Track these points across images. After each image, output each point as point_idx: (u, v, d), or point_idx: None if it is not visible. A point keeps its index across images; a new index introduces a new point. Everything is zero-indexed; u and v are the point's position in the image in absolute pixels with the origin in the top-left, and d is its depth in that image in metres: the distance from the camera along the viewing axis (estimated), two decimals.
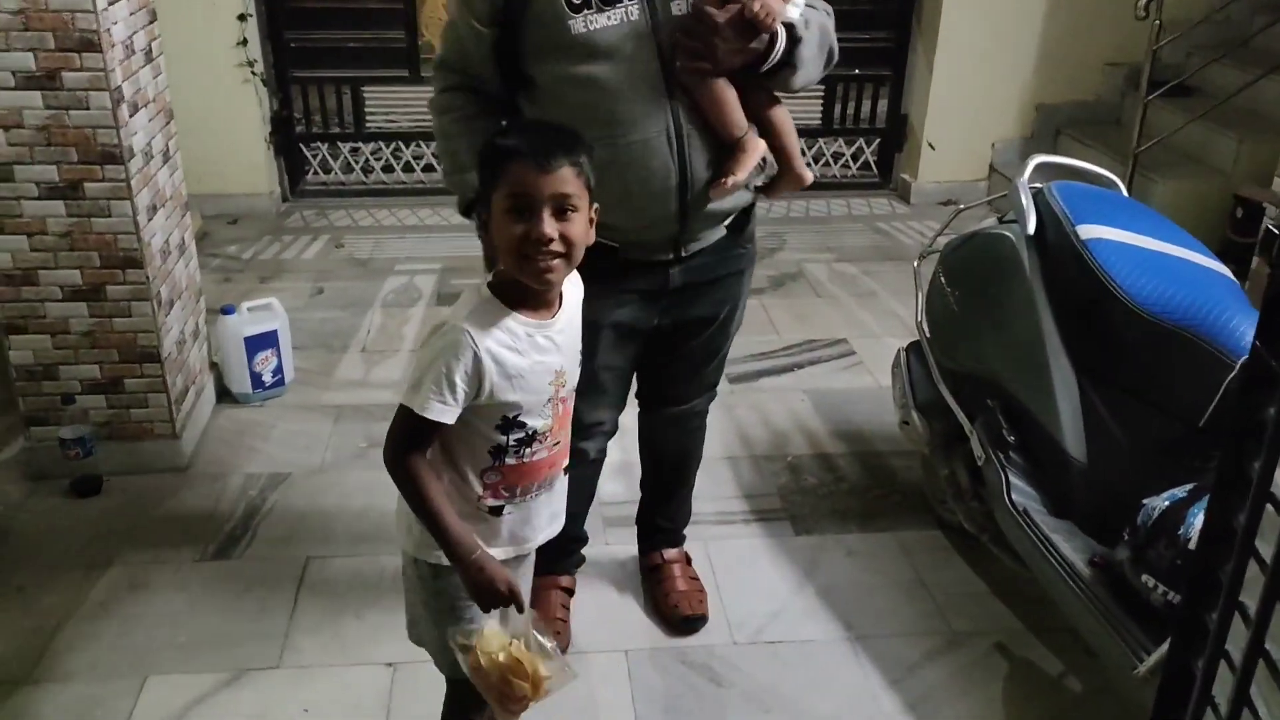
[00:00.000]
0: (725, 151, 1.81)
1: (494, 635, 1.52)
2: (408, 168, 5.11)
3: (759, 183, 1.90)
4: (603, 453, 2.23)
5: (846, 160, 5.36)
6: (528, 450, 1.54)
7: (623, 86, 1.73)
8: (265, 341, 3.23)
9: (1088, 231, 2.16)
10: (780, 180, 1.91)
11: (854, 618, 2.40)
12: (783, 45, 1.73)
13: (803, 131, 4.73)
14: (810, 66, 1.80)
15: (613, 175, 1.71)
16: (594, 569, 2.54)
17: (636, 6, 1.71)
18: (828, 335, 3.81)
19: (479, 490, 1.55)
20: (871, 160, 5.38)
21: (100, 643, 2.29)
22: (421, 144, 5.09)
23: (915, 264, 2.74)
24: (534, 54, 1.78)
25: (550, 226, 1.41)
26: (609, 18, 1.70)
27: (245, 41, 4.54)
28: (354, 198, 5.05)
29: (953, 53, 4.82)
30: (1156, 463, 1.95)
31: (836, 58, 1.88)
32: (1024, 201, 2.30)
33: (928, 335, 2.58)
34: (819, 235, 4.81)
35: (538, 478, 1.58)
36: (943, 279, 2.53)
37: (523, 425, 1.51)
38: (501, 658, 1.49)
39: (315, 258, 4.43)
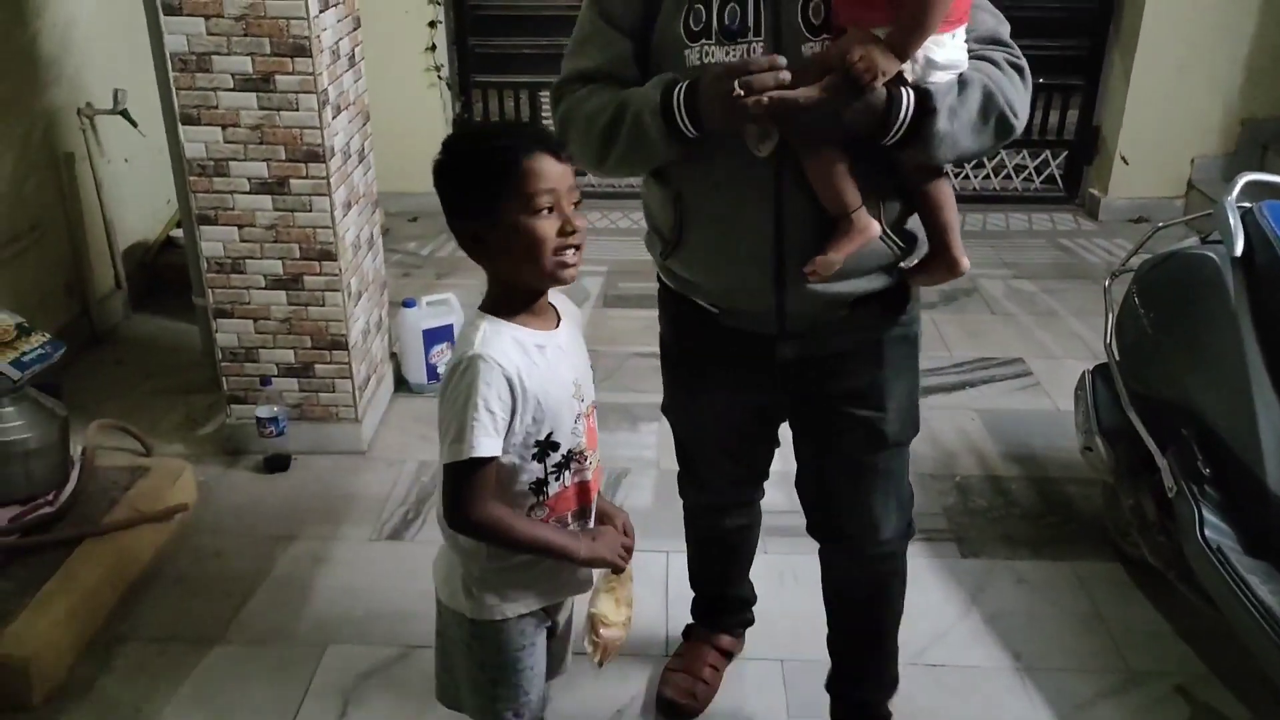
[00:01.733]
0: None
1: (609, 609, 1.64)
2: (580, 171, 5.21)
3: (908, 264, 1.63)
4: (755, 518, 2.16)
5: (1030, 173, 5.17)
6: (567, 474, 1.48)
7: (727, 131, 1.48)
8: (442, 335, 3.37)
9: None
10: (930, 265, 1.60)
11: (1022, 647, 2.31)
12: (907, 114, 1.39)
13: None
14: (961, 139, 1.44)
15: (702, 225, 1.58)
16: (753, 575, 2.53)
17: (761, 45, 1.45)
18: (1003, 354, 3.69)
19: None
20: (1057, 173, 5.17)
21: (286, 610, 2.45)
22: None
23: (1107, 283, 2.62)
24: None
25: (577, 216, 1.37)
26: (727, 53, 1.46)
27: (434, 47, 4.75)
28: None
29: (1152, 62, 4.58)
30: None
31: (1019, 124, 1.49)
32: (1232, 221, 2.17)
33: (1117, 358, 2.46)
34: (996, 250, 4.65)
35: (585, 501, 1.53)
36: (1137, 299, 2.41)
37: (557, 446, 1.44)
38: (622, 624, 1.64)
39: None
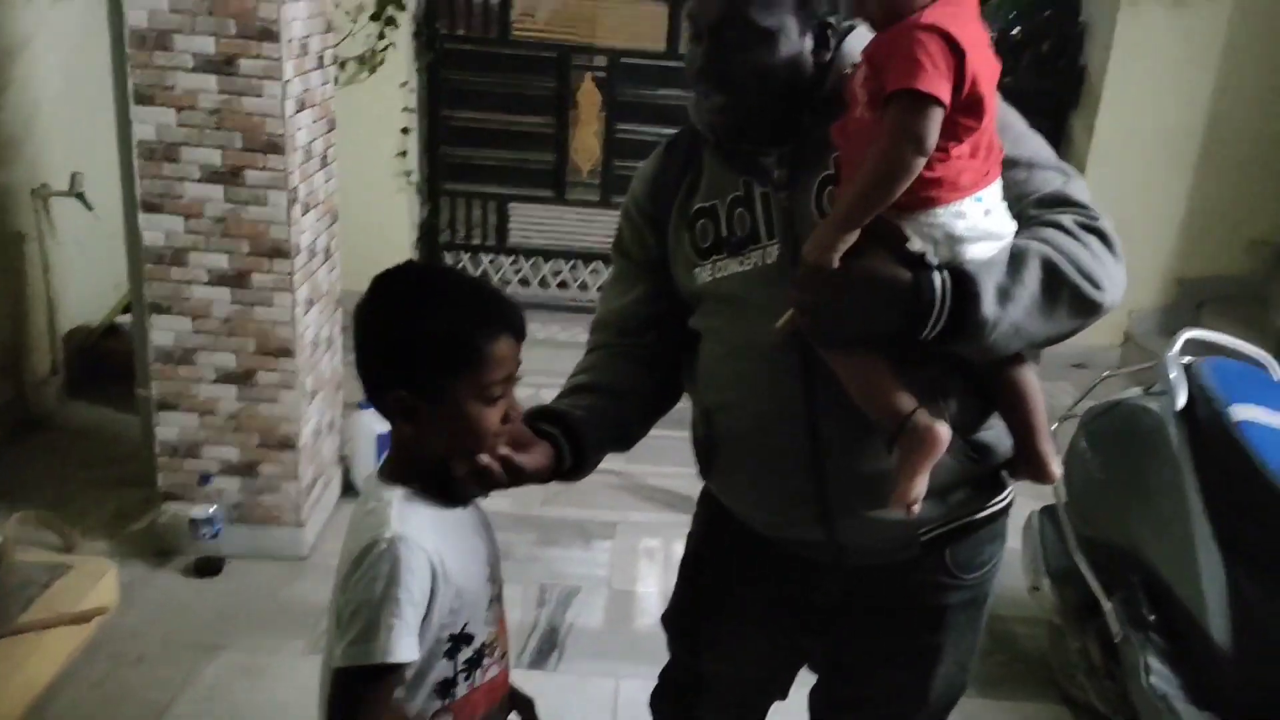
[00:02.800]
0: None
1: None
2: (544, 283, 5.27)
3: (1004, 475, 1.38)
4: None
5: None
6: (478, 672, 1.29)
7: (746, 343, 1.34)
8: None
9: (1240, 412, 2.09)
10: (1014, 469, 1.35)
11: None
12: (944, 303, 1.14)
13: None
14: (1025, 324, 1.18)
15: (734, 451, 1.40)
16: None
17: (776, 247, 1.30)
18: None
19: None
20: None
21: None
22: (559, 261, 5.26)
23: (1053, 426, 2.66)
24: (686, 306, 1.44)
25: (518, 413, 1.25)
26: (741, 263, 1.33)
27: (405, 153, 4.81)
28: None
29: None
30: None
31: (1104, 298, 1.22)
32: (1175, 375, 2.24)
33: (1065, 500, 2.50)
34: None
35: (493, 702, 1.35)
36: (1084, 444, 2.46)
37: (469, 639, 1.26)
38: None
39: None
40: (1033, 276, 1.17)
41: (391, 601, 1.14)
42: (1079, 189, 1.28)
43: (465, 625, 1.25)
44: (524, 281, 5.29)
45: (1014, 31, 4.84)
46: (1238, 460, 2.01)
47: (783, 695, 1.66)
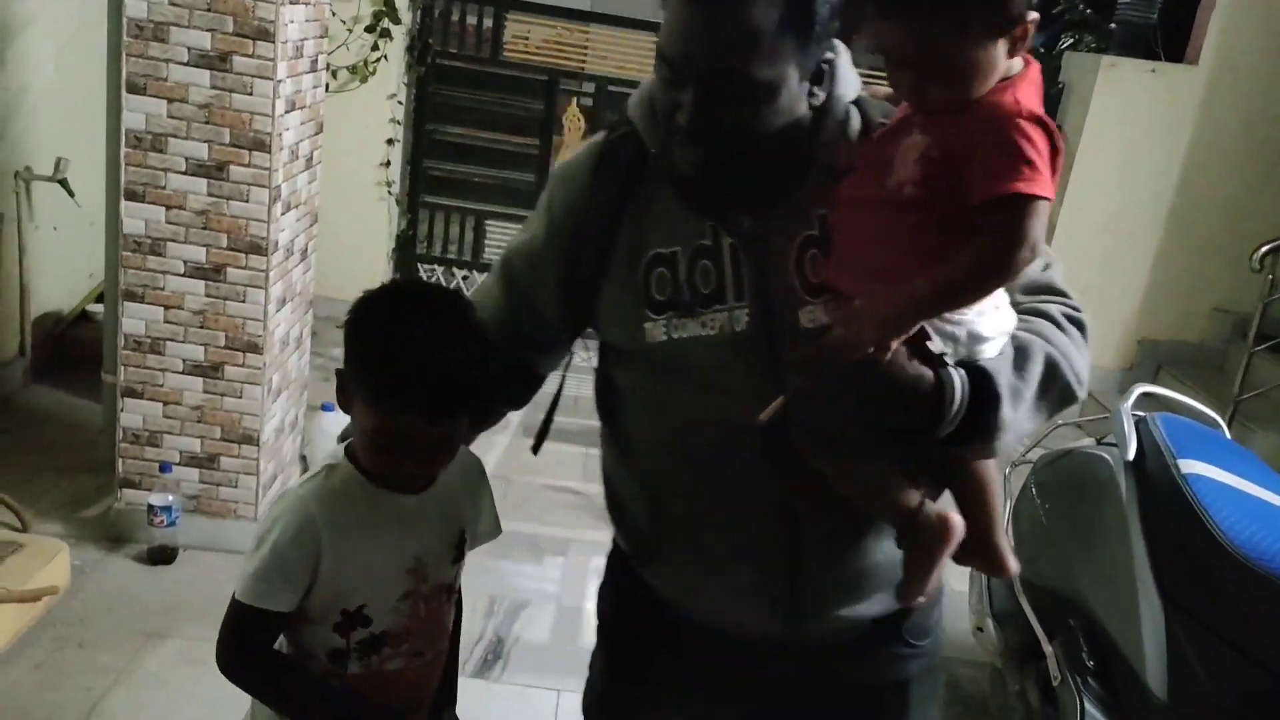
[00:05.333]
0: (870, 526, 1.19)
1: None
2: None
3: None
4: None
5: None
6: (375, 658, 1.25)
7: (708, 423, 1.15)
8: None
9: (1189, 466, 2.14)
10: (964, 558, 1.19)
11: None
12: (962, 404, 1.04)
13: None
14: (1023, 423, 1.11)
15: (691, 545, 1.23)
16: None
17: (746, 313, 1.13)
18: None
19: None
20: None
21: (146, 712, 2.31)
22: None
23: (1006, 472, 2.73)
24: (611, 351, 1.27)
25: (429, 460, 1.21)
26: (703, 325, 1.14)
27: (389, 164, 4.85)
28: None
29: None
30: (1240, 712, 1.87)
31: (1082, 394, 1.17)
32: (1126, 427, 2.29)
33: (1012, 544, 2.54)
34: None
35: (394, 695, 1.28)
36: (1033, 490, 2.51)
37: (366, 622, 1.23)
38: None
39: None
40: (1035, 375, 1.11)
41: (264, 550, 1.19)
42: (1059, 275, 1.22)
43: (362, 607, 1.23)
44: None
45: None
46: (1184, 513, 2.06)
47: None
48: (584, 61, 5.22)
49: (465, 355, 1.16)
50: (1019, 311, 1.15)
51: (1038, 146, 0.99)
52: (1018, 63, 1.06)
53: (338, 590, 1.22)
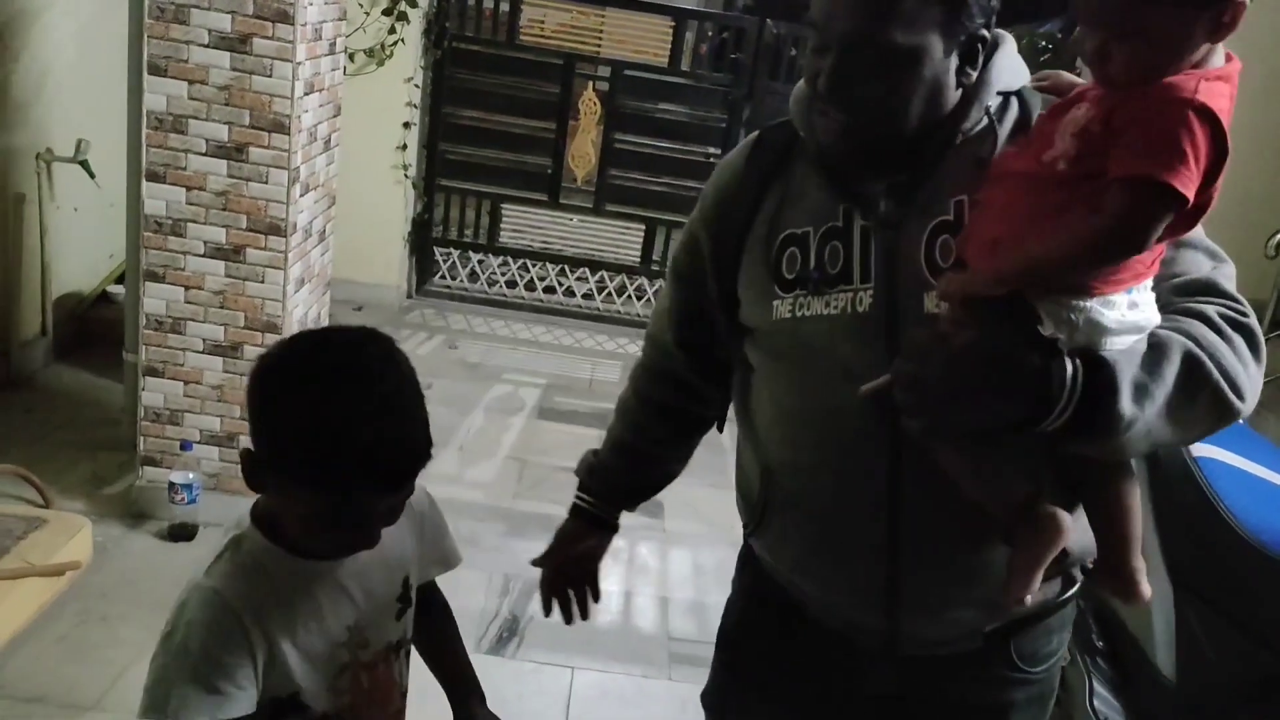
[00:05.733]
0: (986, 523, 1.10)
1: None
2: (530, 286, 5.34)
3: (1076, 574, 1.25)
4: None
5: None
6: None
7: (822, 402, 1.17)
8: None
9: (1200, 450, 2.15)
10: (1099, 578, 1.16)
11: None
12: (1074, 392, 0.99)
13: None
14: (1156, 427, 1.03)
15: (793, 520, 1.24)
16: (651, 702, 2.53)
17: (870, 293, 1.13)
18: None
19: None
20: None
21: None
22: (547, 265, 5.32)
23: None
24: (741, 335, 1.28)
25: (380, 526, 1.08)
26: (827, 304, 1.15)
27: (405, 147, 4.87)
28: (474, 305, 5.28)
29: None
30: (1248, 694, 1.89)
31: (1244, 407, 1.07)
32: None
33: None
34: None
35: None
36: None
37: (301, 709, 1.11)
38: None
39: (429, 355, 4.61)
40: (1172, 373, 1.02)
41: (179, 656, 1.04)
42: (1228, 276, 1.12)
43: (295, 694, 1.10)
44: (511, 283, 5.35)
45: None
46: (1194, 496, 2.07)
47: None
48: (599, 45, 5.23)
49: (416, 406, 1.05)
50: (1169, 312, 1.06)
51: (1197, 142, 0.91)
52: (1219, 55, 0.98)
53: (264, 681, 1.08)
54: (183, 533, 2.90)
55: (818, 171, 1.18)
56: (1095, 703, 2.04)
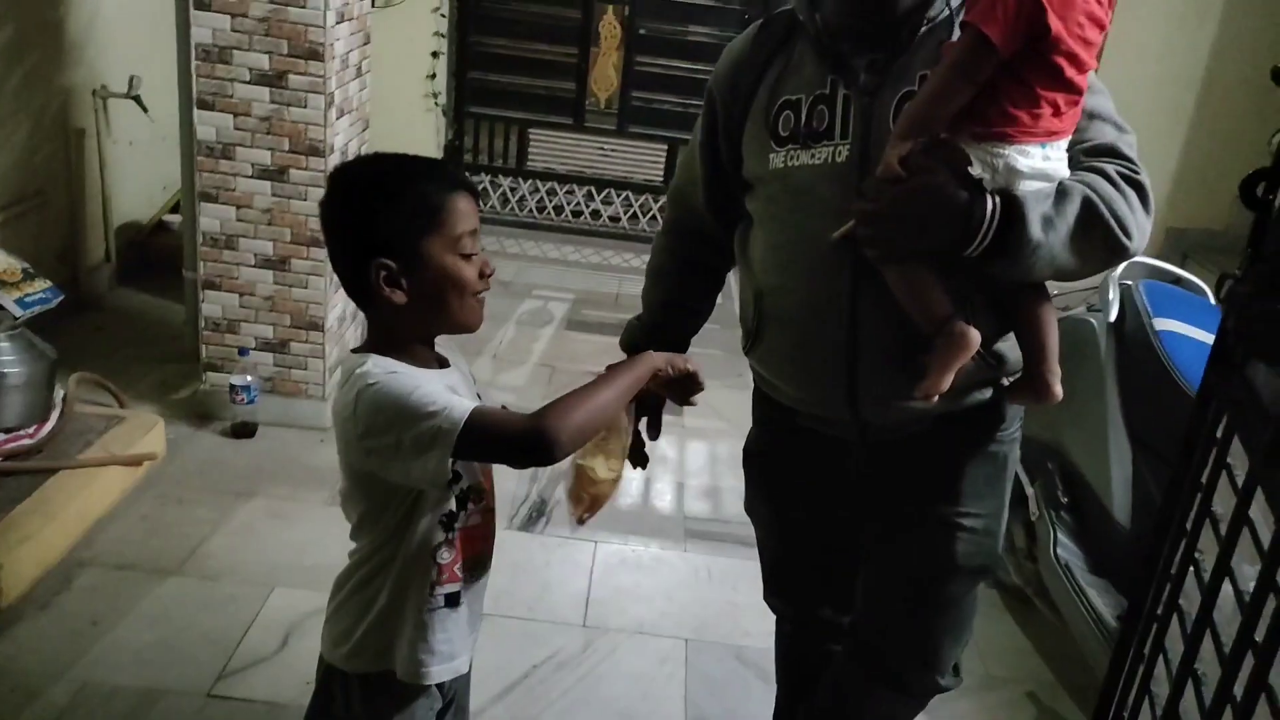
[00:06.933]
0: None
1: (598, 463, 1.52)
2: (559, 209, 5.55)
3: (1000, 382, 1.48)
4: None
5: None
6: (472, 509, 1.36)
7: (803, 234, 1.43)
8: None
9: (1163, 324, 2.35)
10: (1019, 386, 1.44)
11: None
12: (992, 221, 1.25)
13: None
14: (1059, 253, 1.28)
15: (778, 327, 1.51)
16: (667, 569, 2.81)
17: (847, 147, 1.38)
18: None
19: (434, 577, 1.34)
20: None
21: (240, 554, 2.66)
22: (574, 188, 5.53)
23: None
24: (746, 186, 1.54)
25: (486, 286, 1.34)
26: (812, 156, 1.41)
27: (434, 75, 5.08)
28: (506, 227, 5.51)
29: None
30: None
31: (1131, 245, 1.31)
32: (1112, 293, 2.50)
33: None
34: None
35: (483, 549, 1.41)
36: None
37: (459, 476, 1.31)
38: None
39: None
40: (1072, 211, 1.26)
41: (412, 403, 1.21)
42: (1129, 144, 1.36)
43: (455, 462, 1.25)
44: (540, 206, 5.57)
45: None
46: (1152, 363, 2.28)
47: (852, 583, 1.71)
48: None
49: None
50: (1077, 168, 1.31)
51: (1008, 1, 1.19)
52: None
53: None
54: (244, 430, 3.20)
55: (813, 48, 1.44)
56: (1059, 550, 2.28)
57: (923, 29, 1.37)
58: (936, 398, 1.33)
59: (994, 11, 1.19)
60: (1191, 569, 1.21)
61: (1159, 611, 1.23)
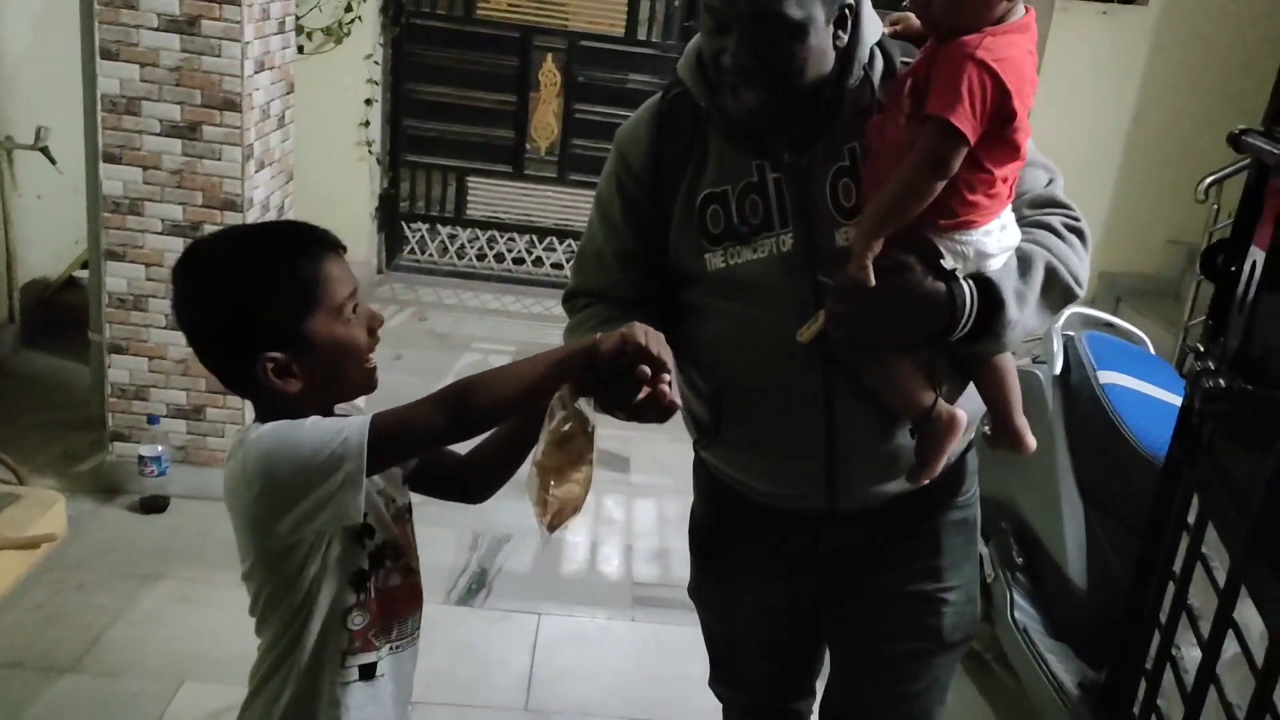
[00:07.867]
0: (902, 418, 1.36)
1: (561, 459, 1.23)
2: (499, 257, 5.42)
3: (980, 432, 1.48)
4: None
5: None
6: (389, 566, 1.27)
7: (760, 328, 1.36)
8: None
9: (1107, 377, 2.28)
10: (992, 442, 1.45)
11: None
12: (972, 310, 1.24)
13: None
14: (1029, 322, 1.30)
15: (743, 424, 1.43)
16: (614, 642, 2.66)
17: (790, 235, 1.33)
18: None
19: (344, 645, 1.24)
20: None
21: (144, 645, 2.46)
22: (515, 237, 5.41)
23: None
24: (677, 281, 1.44)
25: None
26: (755, 250, 1.35)
27: (368, 123, 4.94)
28: (443, 277, 5.36)
29: None
30: None
31: (1081, 292, 1.35)
32: (1055, 345, 2.43)
33: None
34: None
35: (405, 613, 1.31)
36: None
37: (371, 531, 1.24)
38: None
39: (398, 327, 4.70)
40: (1038, 279, 1.29)
41: (311, 427, 1.15)
42: (1061, 188, 1.41)
43: (366, 515, 1.20)
44: (480, 255, 5.43)
45: None
46: (1100, 419, 2.20)
47: (819, 654, 1.68)
48: (557, 17, 5.30)
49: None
50: (1024, 224, 1.33)
51: (973, 87, 1.15)
52: (1019, 8, 1.23)
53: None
54: (154, 504, 3.00)
55: (724, 137, 1.37)
56: (1015, 614, 2.18)
57: (844, 95, 1.33)
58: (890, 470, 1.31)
59: (961, 105, 1.15)
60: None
61: (1136, 711, 1.12)
